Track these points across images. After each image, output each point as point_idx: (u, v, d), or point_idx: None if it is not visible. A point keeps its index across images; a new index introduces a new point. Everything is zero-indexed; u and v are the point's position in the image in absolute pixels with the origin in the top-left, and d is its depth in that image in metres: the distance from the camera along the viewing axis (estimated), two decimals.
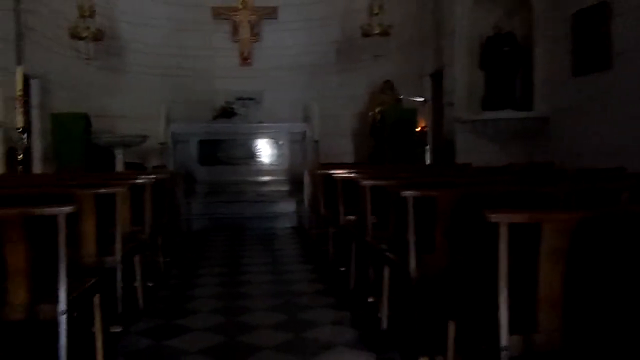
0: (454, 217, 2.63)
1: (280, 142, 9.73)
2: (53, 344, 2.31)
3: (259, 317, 3.62)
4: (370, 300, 3.63)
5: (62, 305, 2.32)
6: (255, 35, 12.36)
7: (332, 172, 4.95)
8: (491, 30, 7.64)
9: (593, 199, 2.74)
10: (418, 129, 9.21)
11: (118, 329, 3.28)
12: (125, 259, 3.46)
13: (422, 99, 8.76)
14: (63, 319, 2.31)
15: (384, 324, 3.20)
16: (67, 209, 2.33)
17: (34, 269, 2.38)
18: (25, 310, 2.37)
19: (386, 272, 3.17)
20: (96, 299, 2.80)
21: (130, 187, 3.82)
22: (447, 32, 8.38)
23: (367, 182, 3.54)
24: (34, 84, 8.58)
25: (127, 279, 3.60)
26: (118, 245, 3.33)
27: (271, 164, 9.67)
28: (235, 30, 12.34)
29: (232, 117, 11.04)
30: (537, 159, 7.13)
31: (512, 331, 1.78)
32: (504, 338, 1.76)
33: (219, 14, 12.16)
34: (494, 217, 1.69)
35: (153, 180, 4.65)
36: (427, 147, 8.74)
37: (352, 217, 4.49)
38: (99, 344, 2.80)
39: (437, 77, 9.01)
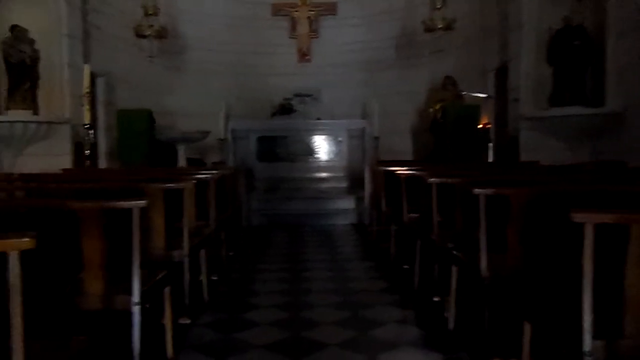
0: (528, 216, 2.53)
1: (339, 139, 9.71)
2: (127, 333, 2.37)
3: (322, 313, 3.62)
4: (435, 299, 3.56)
5: (136, 296, 2.38)
6: (314, 31, 12.35)
7: (395, 169, 4.89)
8: (560, 23, 7.32)
9: None
10: (480, 126, 8.97)
11: (186, 321, 3.35)
12: (191, 253, 3.53)
13: (484, 95, 8.52)
14: (137, 310, 2.38)
15: (451, 324, 3.14)
16: (142, 202, 2.39)
17: (109, 261, 2.46)
18: (101, 301, 2.45)
19: (454, 271, 3.10)
20: (166, 291, 2.87)
21: (196, 182, 3.90)
22: (513, 25, 8.10)
23: (433, 180, 3.47)
24: (100, 82, 8.89)
25: (193, 273, 3.66)
26: (185, 239, 3.40)
27: (329, 161, 9.67)
28: (293, 26, 12.36)
29: (291, 113, 11.12)
30: (604, 157, 6.81)
31: (595, 336, 1.69)
32: (587, 343, 1.68)
33: (278, 10, 12.23)
34: (579, 217, 1.61)
35: (217, 176, 4.74)
36: (490, 144, 8.49)
37: (415, 215, 4.43)
38: (168, 335, 2.87)
39: (501, 73, 8.75)
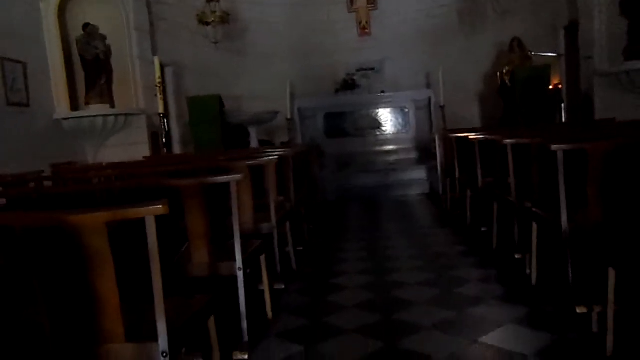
0: (607, 170, 2.58)
1: (406, 110, 9.75)
2: (233, 296, 2.63)
3: (407, 276, 3.79)
4: (517, 257, 3.64)
5: (239, 262, 2.64)
6: (373, 3, 12.31)
7: (467, 135, 4.94)
8: None
9: None
10: (551, 87, 8.74)
11: (281, 286, 3.61)
12: (278, 226, 3.77)
13: (554, 54, 8.29)
14: (241, 274, 2.63)
15: (534, 280, 3.23)
16: (238, 176, 2.63)
17: (212, 232, 2.71)
18: (208, 268, 2.71)
19: (534, 229, 3.18)
20: (262, 259, 3.12)
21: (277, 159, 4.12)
22: None
23: (509, 141, 3.53)
24: (168, 71, 9.24)
25: (280, 244, 3.90)
26: (273, 212, 3.63)
27: (397, 133, 9.75)
28: (352, 0, 12.36)
29: (355, 89, 11.20)
30: None
31: None
32: None
33: None
34: None
35: (294, 152, 4.96)
36: (562, 105, 8.29)
37: (489, 179, 4.49)
38: (267, 297, 3.13)
39: (572, 30, 8.46)
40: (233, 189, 2.63)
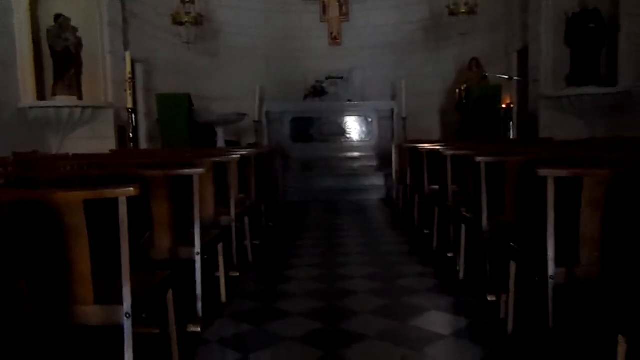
0: (521, 180, 2.99)
1: (369, 120, 10.16)
2: (190, 281, 2.94)
3: (355, 269, 4.16)
4: (449, 255, 4.05)
5: (197, 247, 2.95)
6: (344, 14, 12.76)
7: (417, 145, 5.35)
8: (577, 7, 7.62)
9: None
10: (503, 106, 9.29)
11: (236, 274, 3.93)
12: (237, 219, 4.08)
13: (506, 77, 8.84)
14: (198, 258, 2.95)
15: (461, 274, 3.64)
16: (200, 170, 2.94)
17: (175, 219, 3.02)
18: (169, 252, 3.01)
19: (463, 230, 3.58)
20: (220, 248, 3.43)
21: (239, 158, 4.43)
22: (532, 9, 8.40)
23: (448, 152, 3.93)
24: (138, 67, 9.42)
25: (238, 238, 4.21)
26: (232, 207, 3.95)
27: (360, 141, 10.14)
28: (324, 10, 12.78)
29: (323, 95, 11.59)
30: (625, 134, 7.11)
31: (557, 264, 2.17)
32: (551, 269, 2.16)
33: None
34: (541, 172, 2.08)
35: (256, 153, 5.28)
36: (511, 123, 8.85)
37: (435, 187, 4.89)
38: (222, 283, 3.45)
39: (523, 54, 9.05)
40: (196, 181, 2.95)
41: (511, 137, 8.65)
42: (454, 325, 2.90)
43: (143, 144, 9.45)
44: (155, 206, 3.00)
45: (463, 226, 3.61)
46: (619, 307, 1.76)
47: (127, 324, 1.92)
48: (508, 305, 2.70)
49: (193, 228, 2.95)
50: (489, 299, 3.01)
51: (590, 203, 2.11)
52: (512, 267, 2.58)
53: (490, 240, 3.05)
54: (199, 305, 2.99)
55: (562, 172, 2.09)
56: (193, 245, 2.94)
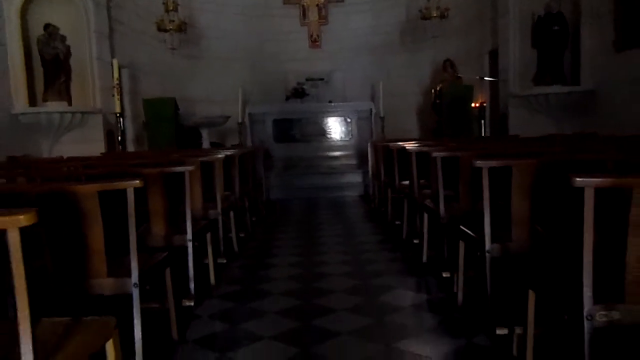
0: (472, 172, 3.43)
1: (349, 120, 10.60)
2: (183, 267, 3.33)
3: (331, 256, 4.61)
4: (416, 242, 4.50)
5: (189, 235, 3.34)
6: (324, 18, 13.19)
7: (390, 144, 5.79)
8: (542, 10, 8.11)
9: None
10: (476, 105, 9.78)
11: (223, 261, 4.33)
12: (223, 213, 4.48)
13: (478, 77, 9.34)
14: (190, 244, 3.34)
15: (424, 258, 4.08)
16: (190, 167, 3.35)
17: (168, 211, 3.41)
18: (164, 240, 3.41)
19: (425, 218, 4.03)
20: (208, 236, 3.84)
21: (224, 158, 4.83)
22: (501, 13, 8.89)
23: (413, 149, 4.37)
24: (124, 72, 9.68)
25: (224, 230, 4.61)
26: (218, 201, 4.35)
27: (340, 140, 10.58)
28: (304, 14, 13.20)
29: (304, 97, 12.01)
30: (588, 131, 7.61)
31: (493, 240, 2.60)
32: (488, 244, 2.58)
33: None
34: (478, 163, 2.52)
35: (240, 153, 5.69)
36: (483, 121, 9.34)
37: (406, 182, 5.33)
38: (211, 267, 3.85)
39: (494, 56, 9.55)
40: (187, 177, 3.35)
41: (483, 134, 9.14)
42: (414, 299, 3.35)
43: (130, 147, 9.76)
44: (151, 200, 3.39)
45: (426, 215, 4.05)
46: (530, 271, 2.20)
47: (135, 293, 2.33)
48: (458, 281, 3.14)
49: (184, 219, 3.35)
50: (444, 275, 3.46)
51: (519, 188, 2.55)
52: (461, 246, 3.02)
53: (447, 225, 3.49)
54: (192, 285, 3.39)
55: (493, 163, 2.53)
56: (185, 233, 3.34)
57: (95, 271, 2.34)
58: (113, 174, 3.22)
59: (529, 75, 8.40)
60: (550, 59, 8.07)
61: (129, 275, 2.34)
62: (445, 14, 10.12)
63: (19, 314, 1.37)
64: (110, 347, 1.78)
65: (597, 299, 1.76)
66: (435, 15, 10.12)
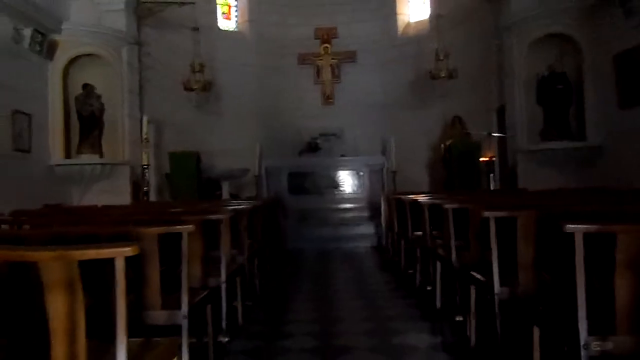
0: (482, 223, 3.76)
1: (361, 173, 11.02)
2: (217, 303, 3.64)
3: (347, 303, 4.89)
4: (429, 288, 4.78)
5: (223, 277, 3.67)
6: (337, 77, 13.85)
7: (402, 196, 6.15)
8: (546, 70, 8.60)
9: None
10: (486, 159, 10.17)
11: (249, 304, 4.63)
12: (249, 259, 4.81)
13: (485, 133, 9.77)
14: (224, 286, 3.66)
15: (438, 304, 4.36)
16: (227, 215, 3.71)
17: (205, 255, 3.75)
18: (201, 281, 3.73)
19: (438, 266, 4.34)
20: (238, 280, 4.16)
21: (250, 208, 5.21)
22: (507, 72, 9.40)
23: (425, 201, 4.73)
24: (149, 127, 10.27)
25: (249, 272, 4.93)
26: (245, 248, 4.69)
27: (353, 193, 10.98)
28: (318, 73, 13.89)
29: (317, 151, 12.51)
30: (595, 184, 7.93)
31: (502, 284, 2.91)
32: (497, 288, 2.89)
33: (303, 59, 13.80)
34: (486, 214, 2.86)
35: (264, 203, 6.07)
36: (492, 175, 9.70)
37: (419, 233, 5.65)
38: (239, 310, 4.15)
39: (502, 112, 10.00)
40: (224, 225, 3.71)
41: (492, 188, 9.48)
42: (429, 341, 3.62)
43: (152, 197, 10.18)
44: (191, 243, 3.73)
45: (438, 263, 4.36)
46: (535, 310, 2.51)
47: (184, 324, 2.65)
48: (470, 324, 3.43)
49: (217, 262, 3.69)
50: (457, 319, 3.74)
51: (523, 237, 2.88)
52: (472, 291, 3.33)
53: (458, 271, 3.80)
54: (224, 323, 3.68)
55: (499, 214, 2.87)
56: (219, 275, 3.67)
57: (151, 304, 2.67)
58: (160, 221, 3.58)
59: (536, 130, 8.79)
60: (556, 116, 8.48)
61: (179, 308, 2.66)
62: (454, 74, 10.63)
63: (117, 334, 1.71)
64: None
65: (592, 331, 2.04)
66: (443, 75, 10.64)
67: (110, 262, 1.68)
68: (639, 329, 2.01)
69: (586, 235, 2.00)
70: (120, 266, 1.69)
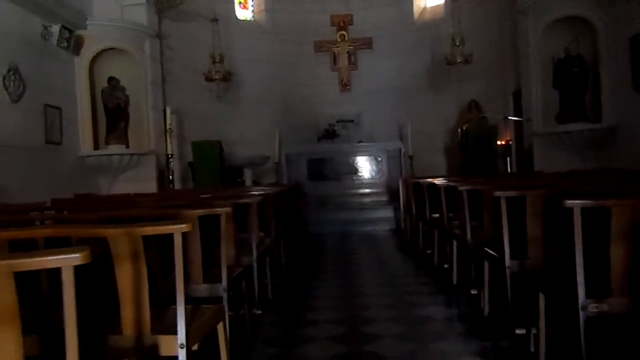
0: (495, 204, 4.00)
1: (379, 159, 11.26)
2: (249, 280, 3.94)
3: (368, 281, 5.17)
4: (446, 266, 5.04)
5: (255, 255, 3.96)
6: (353, 63, 14.03)
7: (420, 180, 6.39)
8: (562, 53, 8.71)
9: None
10: (502, 143, 10.34)
11: (277, 281, 4.94)
12: (275, 240, 5.10)
13: (501, 117, 9.91)
14: (255, 265, 3.96)
15: (454, 281, 4.63)
16: (258, 198, 4.00)
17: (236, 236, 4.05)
18: (234, 260, 4.02)
19: (454, 246, 4.59)
20: (267, 259, 4.46)
21: (274, 192, 5.49)
22: (523, 56, 9.52)
23: (441, 184, 4.97)
24: (172, 117, 10.58)
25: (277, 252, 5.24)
26: (272, 230, 4.97)
27: (371, 178, 11.24)
28: (335, 60, 14.07)
29: (335, 138, 12.76)
30: (611, 166, 8.06)
31: (512, 257, 3.16)
32: (507, 261, 3.14)
33: (320, 47, 13.98)
34: (497, 193, 3.11)
35: (287, 188, 6.36)
36: (508, 158, 9.87)
37: (436, 215, 5.90)
38: (269, 285, 4.46)
39: (518, 95, 10.13)
40: (254, 208, 3.99)
41: (509, 171, 9.66)
42: (446, 313, 3.90)
43: (177, 185, 10.53)
44: (225, 227, 4.04)
45: (455, 242, 4.61)
46: (540, 279, 2.76)
47: (225, 296, 2.94)
48: (484, 296, 3.69)
49: (248, 243, 3.98)
50: (472, 292, 4.01)
51: (532, 214, 3.12)
52: (486, 265, 3.59)
53: (473, 249, 4.05)
54: (256, 297, 3.99)
55: (510, 193, 3.12)
56: (251, 254, 3.97)
57: (194, 278, 2.97)
58: (195, 205, 3.87)
59: (552, 113, 8.92)
60: (572, 98, 8.59)
61: (220, 282, 2.96)
62: (470, 59, 10.78)
63: (177, 298, 2.00)
64: (221, 327, 2.39)
65: (589, 294, 2.28)
66: (459, 60, 10.79)
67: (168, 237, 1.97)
68: (631, 291, 2.25)
69: (589, 211, 2.25)
70: (178, 240, 1.98)
